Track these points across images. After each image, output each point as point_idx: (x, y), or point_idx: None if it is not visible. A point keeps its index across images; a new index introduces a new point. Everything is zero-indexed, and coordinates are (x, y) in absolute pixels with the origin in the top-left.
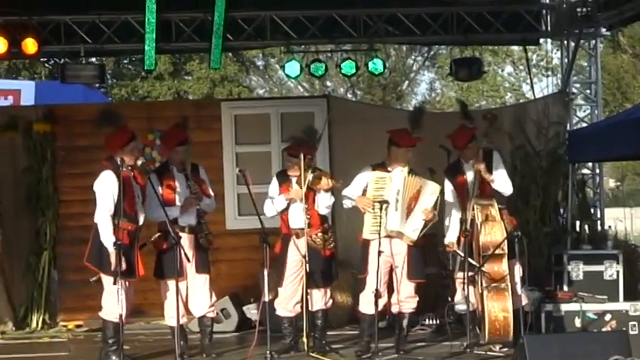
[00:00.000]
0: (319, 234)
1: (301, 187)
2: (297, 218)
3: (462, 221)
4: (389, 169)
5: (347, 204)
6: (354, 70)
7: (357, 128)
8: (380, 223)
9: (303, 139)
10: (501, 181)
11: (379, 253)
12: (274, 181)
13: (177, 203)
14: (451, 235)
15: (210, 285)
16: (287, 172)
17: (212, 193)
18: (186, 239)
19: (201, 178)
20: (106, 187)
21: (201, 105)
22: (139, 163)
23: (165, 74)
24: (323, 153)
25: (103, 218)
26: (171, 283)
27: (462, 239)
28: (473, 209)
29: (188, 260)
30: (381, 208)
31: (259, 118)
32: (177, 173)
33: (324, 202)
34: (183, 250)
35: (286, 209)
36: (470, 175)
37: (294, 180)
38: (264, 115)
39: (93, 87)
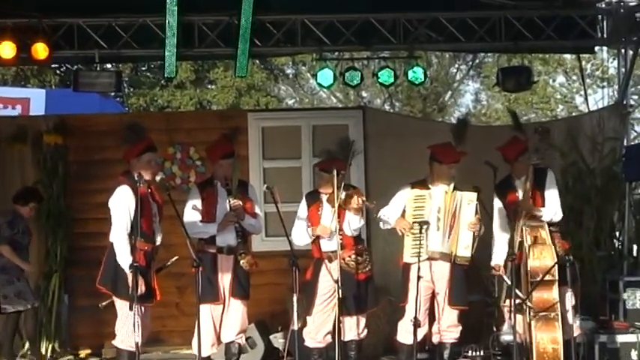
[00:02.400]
0: (353, 256)
1: (333, 206)
2: (329, 240)
3: (511, 243)
4: (429, 186)
5: (384, 225)
6: (392, 80)
7: (395, 142)
8: (420, 245)
9: (337, 153)
10: (551, 208)
11: (419, 278)
12: (303, 202)
13: (217, 221)
14: (498, 257)
15: (245, 312)
16: (318, 190)
17: (260, 213)
18: (223, 260)
19: (248, 197)
20: (122, 203)
21: (226, 116)
22: (158, 178)
23: (187, 82)
24: (358, 169)
25: (120, 237)
26: (203, 308)
27: (509, 263)
28: (521, 230)
29: (212, 284)
30: (421, 230)
31: (289, 131)
32: (220, 188)
33: (352, 225)
34: (206, 273)
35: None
36: (522, 194)
37: (324, 198)
38: (294, 128)
39: (108, 96)
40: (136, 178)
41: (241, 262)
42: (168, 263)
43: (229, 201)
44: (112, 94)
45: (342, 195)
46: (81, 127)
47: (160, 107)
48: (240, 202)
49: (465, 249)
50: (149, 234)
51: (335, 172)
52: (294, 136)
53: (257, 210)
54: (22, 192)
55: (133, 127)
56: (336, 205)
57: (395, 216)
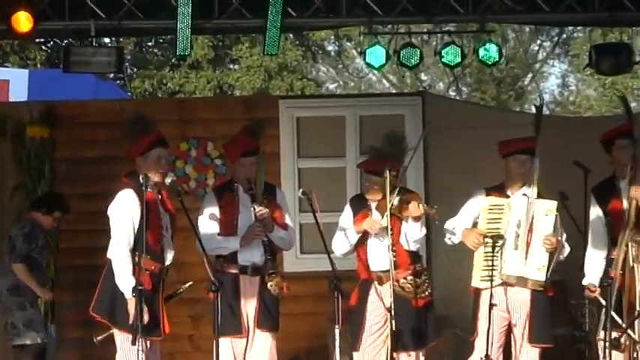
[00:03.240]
0: (409, 278)
1: (383, 215)
2: (379, 257)
3: (610, 260)
4: (508, 193)
5: (450, 240)
6: (459, 59)
7: (462, 137)
8: (493, 266)
9: (387, 150)
10: None
11: (491, 306)
12: (347, 209)
13: (240, 234)
14: (592, 276)
15: (274, 347)
16: (365, 196)
17: (291, 224)
18: (247, 283)
19: (276, 204)
20: (124, 211)
21: (252, 104)
22: (168, 181)
23: (204, 62)
24: (415, 170)
25: (120, 254)
26: (223, 342)
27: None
28: (626, 246)
29: (234, 313)
30: (494, 247)
31: (330, 123)
32: (242, 194)
33: (413, 235)
34: (226, 299)
35: (362, 244)
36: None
37: (373, 206)
38: (336, 119)
39: (106, 78)
40: (142, 181)
41: (269, 284)
42: (181, 290)
43: (254, 209)
44: (112, 75)
45: (395, 201)
46: (72, 117)
47: (171, 92)
48: (268, 211)
49: (537, 271)
50: (157, 250)
51: (387, 173)
52: (337, 130)
53: (288, 220)
54: (45, 198)
55: (137, 117)
56: (388, 211)
57: (464, 227)
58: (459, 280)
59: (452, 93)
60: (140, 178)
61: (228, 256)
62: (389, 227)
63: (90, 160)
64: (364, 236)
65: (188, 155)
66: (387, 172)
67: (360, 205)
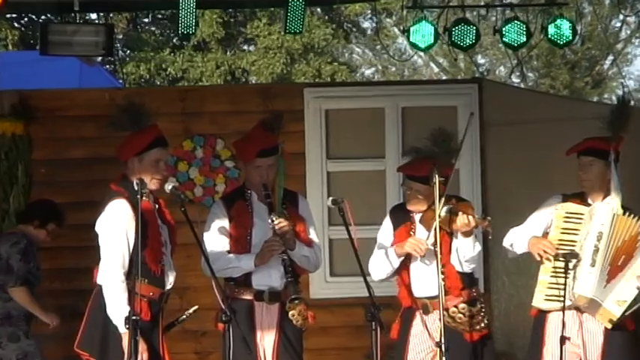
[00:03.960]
0: (461, 306)
1: (429, 230)
2: (426, 281)
3: None
4: (590, 201)
5: (513, 251)
6: (523, 39)
7: (528, 133)
8: (565, 285)
9: (433, 151)
10: None
11: (563, 340)
12: (386, 223)
13: (254, 251)
14: None
15: None
16: (407, 207)
17: (317, 240)
18: (264, 312)
19: (299, 215)
20: (115, 226)
21: (271, 93)
22: (169, 187)
23: (212, 42)
24: (470, 173)
25: (113, 279)
26: None
27: None
28: None
29: (248, 348)
30: (567, 264)
31: (366, 116)
32: (257, 202)
33: (465, 253)
34: (239, 331)
35: (405, 265)
36: None
37: (417, 218)
38: (374, 112)
39: (93, 62)
40: (136, 187)
41: (291, 314)
42: (184, 317)
43: (272, 220)
44: (99, 59)
45: (444, 211)
46: (52, 110)
47: (172, 79)
48: (288, 223)
49: (615, 303)
50: (156, 272)
51: (436, 179)
52: (375, 125)
53: (313, 235)
54: (36, 207)
55: (130, 108)
56: (437, 226)
57: (531, 236)
58: (524, 307)
59: (515, 79)
60: (134, 183)
61: (241, 279)
62: (438, 245)
63: (74, 163)
64: (407, 256)
65: (193, 156)
66: (436, 177)
67: (401, 218)
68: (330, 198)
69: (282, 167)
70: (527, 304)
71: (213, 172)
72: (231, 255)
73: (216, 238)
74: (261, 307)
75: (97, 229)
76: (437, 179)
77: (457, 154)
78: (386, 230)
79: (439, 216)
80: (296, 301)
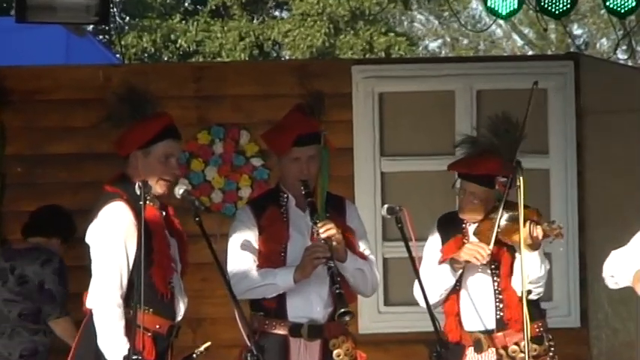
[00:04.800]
0: (523, 344)
1: (487, 241)
2: (477, 310)
3: None
4: None
5: (613, 279)
6: (633, 3)
7: (638, 123)
8: None
9: (493, 143)
10: None
11: None
12: (433, 235)
13: (292, 264)
14: None
15: None
16: (458, 215)
17: (372, 257)
18: (301, 350)
19: (346, 226)
20: (113, 234)
21: (310, 72)
22: (180, 191)
23: (235, 7)
24: (564, 173)
25: (106, 303)
26: None
27: None
28: None
29: None
30: None
31: (432, 102)
32: (293, 209)
33: (530, 272)
34: None
35: (452, 292)
36: None
37: (471, 229)
38: (441, 96)
39: (83, 32)
40: (139, 190)
41: (336, 353)
42: (194, 355)
43: (315, 223)
44: (91, 27)
45: (503, 219)
46: (30, 93)
47: (183, 54)
48: (336, 228)
49: None
50: (164, 297)
51: (496, 181)
52: (442, 112)
53: (365, 248)
54: (57, 217)
55: (132, 92)
56: (493, 237)
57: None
58: (632, 346)
59: (621, 56)
60: (136, 185)
61: (273, 307)
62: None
63: (58, 160)
64: (459, 276)
65: (210, 152)
66: (499, 178)
67: (451, 230)
68: (385, 206)
69: (326, 161)
70: (638, 341)
71: (236, 172)
72: (262, 270)
73: (241, 255)
74: (298, 345)
75: (87, 239)
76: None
77: (518, 144)
78: (433, 246)
79: (498, 226)
80: (346, 317)
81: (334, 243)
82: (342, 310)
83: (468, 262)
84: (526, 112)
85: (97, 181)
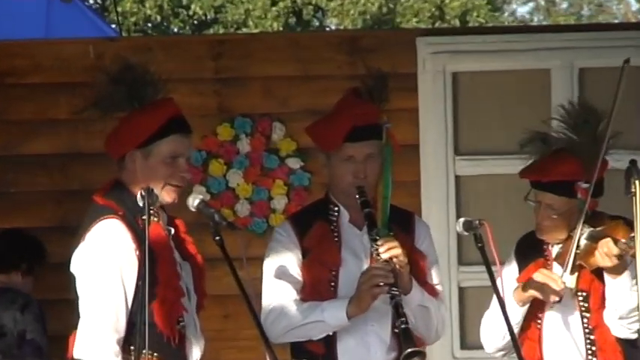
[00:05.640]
0: None
1: (565, 265)
2: (563, 353)
3: None
4: None
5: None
6: None
7: None
8: None
9: (571, 140)
10: None
11: None
12: (511, 261)
13: (345, 294)
14: None
15: None
16: (536, 235)
17: (442, 292)
18: None
19: (415, 248)
20: (105, 263)
21: (363, 46)
22: (195, 202)
23: None
24: None
25: (98, 351)
26: None
27: None
28: None
29: None
30: None
31: (521, 84)
32: (346, 226)
33: (618, 303)
34: None
35: (529, 328)
36: None
37: (554, 251)
38: (533, 76)
39: None
40: (142, 201)
41: None
42: None
43: (375, 240)
44: None
45: (583, 238)
46: (3, 74)
47: (198, 24)
48: (399, 245)
49: None
50: (172, 341)
51: (582, 188)
52: (536, 97)
53: (437, 280)
54: (15, 244)
55: (128, 71)
56: (570, 261)
57: None
58: None
59: None
60: (138, 195)
61: (320, 355)
62: (573, 284)
63: (36, 161)
64: (535, 311)
65: (234, 150)
66: (581, 184)
67: (530, 254)
68: (461, 220)
69: (389, 162)
70: None
71: (268, 176)
72: (307, 304)
73: (279, 284)
74: None
75: (73, 268)
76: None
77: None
78: (507, 276)
79: (577, 246)
80: (415, 359)
81: (397, 266)
82: (410, 350)
83: (536, 297)
84: (615, 97)
85: (85, 190)
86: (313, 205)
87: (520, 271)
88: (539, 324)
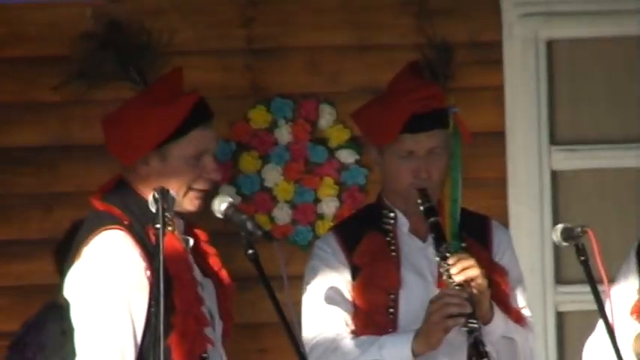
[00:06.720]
0: None
1: None
2: None
3: None
4: None
5: None
6: None
7: None
8: None
9: None
10: None
11: None
12: (630, 266)
13: (408, 326)
14: None
15: None
16: None
17: (529, 314)
18: None
19: (493, 263)
20: (109, 292)
21: (430, 8)
22: (222, 206)
23: None
24: None
25: None
26: None
27: None
28: None
29: None
30: None
31: (633, 53)
32: (404, 233)
33: None
34: None
35: None
36: None
37: None
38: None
39: None
40: (153, 206)
41: None
42: None
43: (445, 258)
44: None
45: None
46: None
47: None
48: (476, 264)
49: None
50: None
51: None
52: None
53: (523, 303)
54: None
55: (119, 30)
56: None
57: None
58: None
59: None
60: (150, 197)
61: None
62: None
63: (18, 155)
64: None
65: (270, 140)
66: None
67: None
68: (560, 226)
69: (458, 157)
70: None
71: (314, 173)
72: (360, 338)
73: (325, 311)
74: None
75: (67, 293)
76: None
77: None
78: (624, 287)
79: None
80: None
81: (475, 291)
82: None
83: None
84: None
85: (80, 192)
86: (363, 212)
87: None
88: None
